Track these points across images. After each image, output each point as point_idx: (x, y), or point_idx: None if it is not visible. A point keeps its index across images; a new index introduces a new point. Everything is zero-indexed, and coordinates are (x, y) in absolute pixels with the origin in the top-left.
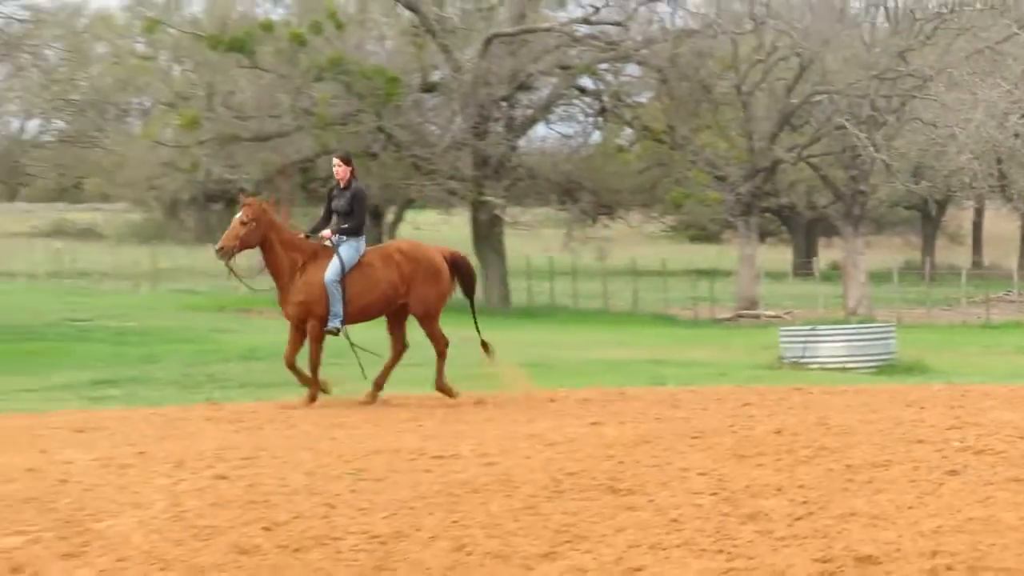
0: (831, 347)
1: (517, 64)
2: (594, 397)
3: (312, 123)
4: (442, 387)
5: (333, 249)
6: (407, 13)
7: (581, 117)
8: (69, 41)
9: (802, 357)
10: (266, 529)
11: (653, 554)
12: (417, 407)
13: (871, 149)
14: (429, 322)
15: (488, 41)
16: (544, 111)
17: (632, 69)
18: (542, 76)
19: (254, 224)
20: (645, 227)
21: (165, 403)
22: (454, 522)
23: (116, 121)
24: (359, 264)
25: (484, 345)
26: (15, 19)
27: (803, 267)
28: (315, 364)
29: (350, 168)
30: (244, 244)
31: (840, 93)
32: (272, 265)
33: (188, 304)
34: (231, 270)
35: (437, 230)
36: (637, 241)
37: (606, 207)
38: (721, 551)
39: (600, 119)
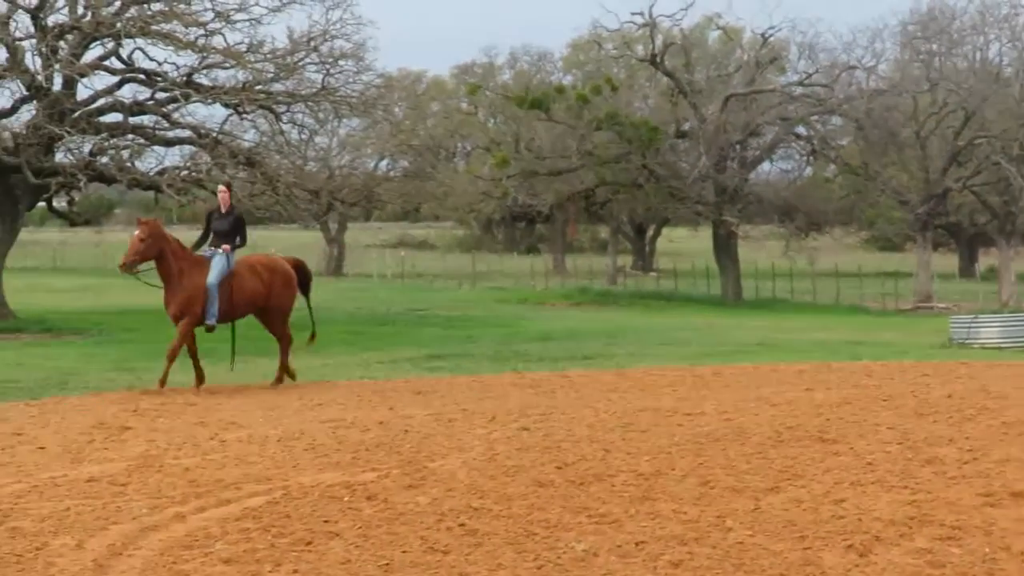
0: (989, 331)
1: (748, 116)
2: (807, 369)
3: (593, 162)
4: (287, 368)
5: (208, 260)
6: (665, 79)
7: (797, 156)
8: (411, 100)
9: (967, 339)
10: (558, 468)
11: (853, 489)
12: (672, 376)
13: (1020, 179)
14: (283, 321)
15: (727, 99)
16: (768, 152)
17: (836, 120)
18: (767, 125)
19: (150, 240)
20: (845, 239)
21: (481, 372)
22: (700, 463)
23: (446, 161)
24: (230, 273)
25: (313, 336)
26: (372, 85)
27: (966, 270)
28: (175, 354)
29: (229, 194)
30: (143, 257)
31: (996, 137)
32: (164, 272)
33: (498, 298)
34: (137, 278)
35: (686, 243)
36: (839, 250)
37: (815, 224)
38: (906, 487)
39: (811, 157)
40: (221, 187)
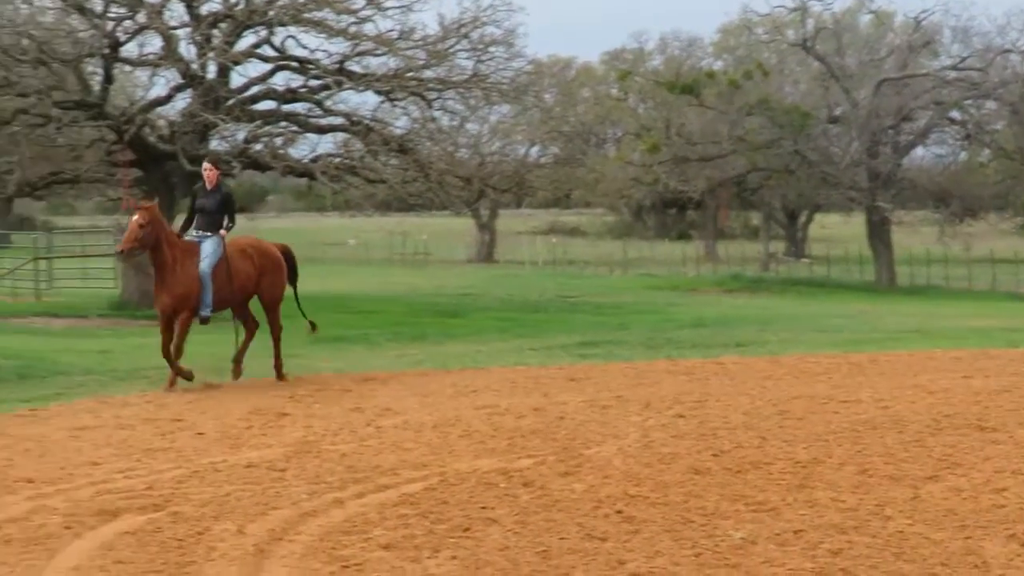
0: None
1: (901, 101)
2: (964, 356)
3: (744, 147)
4: (279, 367)
5: (199, 246)
6: (816, 63)
7: (950, 141)
8: (562, 87)
9: None
10: (714, 455)
11: (1014, 478)
12: (827, 364)
13: None
14: (275, 308)
15: (879, 84)
16: (922, 136)
17: (990, 104)
18: (920, 110)
19: (149, 227)
20: (1000, 225)
21: (634, 359)
22: (858, 451)
23: (596, 147)
24: (223, 258)
25: (313, 326)
26: (523, 72)
27: None
28: (179, 350)
29: (218, 172)
30: (142, 244)
31: None
32: (159, 261)
33: (650, 285)
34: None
35: (839, 229)
36: (994, 236)
37: (970, 210)
38: None
39: (965, 142)
40: (206, 164)
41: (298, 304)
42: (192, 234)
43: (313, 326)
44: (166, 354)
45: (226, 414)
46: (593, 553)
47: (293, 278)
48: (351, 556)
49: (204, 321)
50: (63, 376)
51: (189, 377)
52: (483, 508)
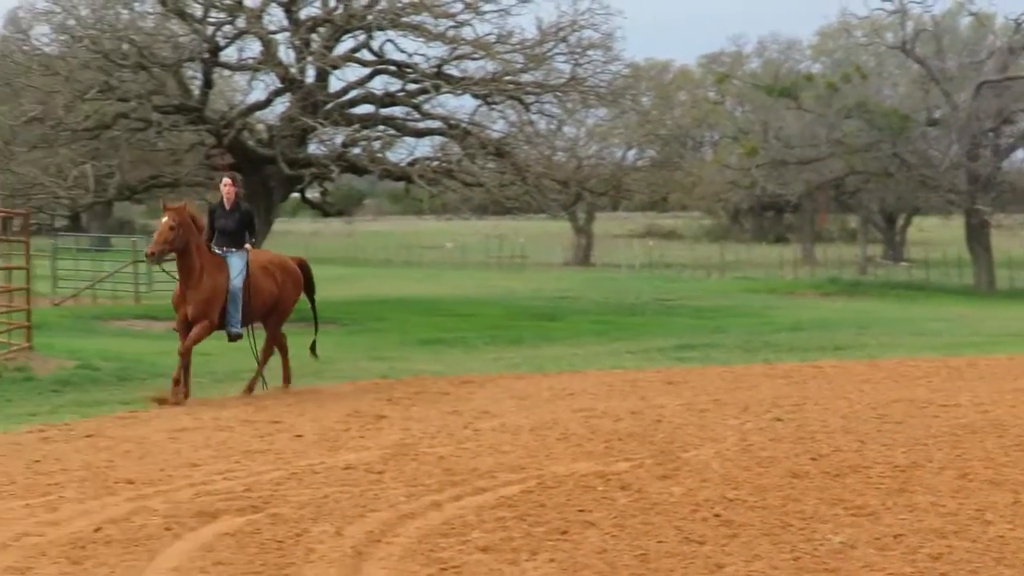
0: None
1: (1002, 103)
2: None
3: (842, 150)
4: (288, 378)
5: (225, 260)
6: (915, 66)
7: None
8: (659, 90)
9: None
10: (813, 459)
11: None
12: (926, 367)
13: None
14: (280, 322)
15: (979, 86)
16: (1022, 139)
17: None
18: (1021, 113)
19: (180, 229)
20: None
21: (732, 363)
22: (957, 456)
23: (693, 150)
24: (247, 274)
25: (314, 346)
26: (620, 75)
27: None
28: (188, 355)
29: (237, 188)
30: (172, 247)
31: None
32: (186, 267)
33: (747, 288)
34: (163, 270)
35: (937, 232)
36: None
37: None
38: None
39: None
40: (226, 179)
41: (315, 319)
42: (221, 251)
43: (314, 349)
44: (185, 352)
45: (324, 416)
46: (691, 557)
47: (311, 291)
48: (449, 558)
49: (234, 338)
50: (162, 378)
51: (179, 400)
52: (581, 511)
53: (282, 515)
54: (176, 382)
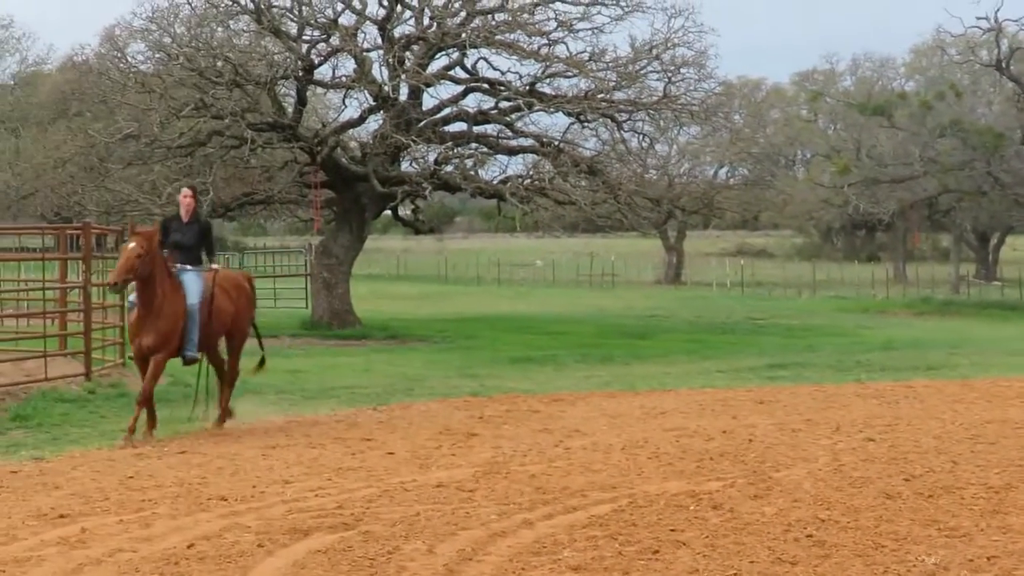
0: None
1: None
2: None
3: (936, 169)
4: (226, 408)
5: (180, 280)
6: (1010, 84)
7: None
8: (751, 108)
9: None
10: (906, 480)
11: None
12: (1020, 388)
13: None
14: (240, 345)
15: None
16: None
17: None
18: None
19: (147, 256)
20: None
21: (823, 382)
22: None
23: (785, 168)
24: (204, 296)
25: (263, 362)
26: (713, 93)
27: None
28: (149, 395)
29: (196, 201)
30: (135, 276)
31: None
32: (147, 296)
33: (839, 307)
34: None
35: None
36: None
37: None
38: None
39: None
40: (185, 190)
41: (258, 335)
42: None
43: (263, 364)
44: (147, 397)
45: (415, 434)
46: None
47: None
48: None
49: (189, 362)
50: (255, 395)
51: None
52: (672, 530)
53: (374, 532)
54: (131, 431)
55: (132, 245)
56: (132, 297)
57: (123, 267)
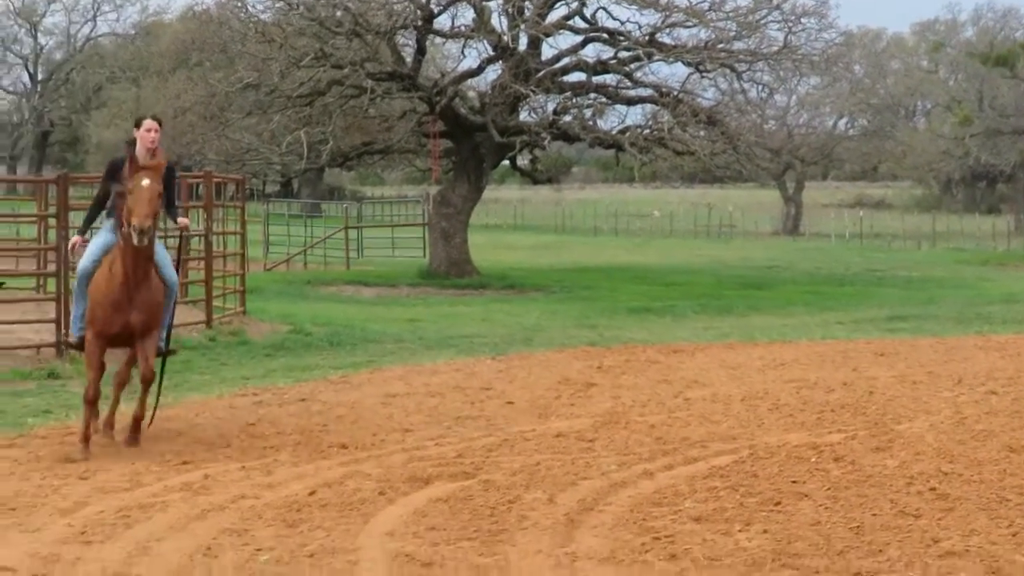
0: None
1: None
2: None
3: None
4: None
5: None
6: None
7: None
8: (871, 59)
9: None
10: None
11: None
12: None
13: None
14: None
15: None
16: None
17: None
18: None
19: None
20: None
21: (944, 334)
22: None
23: (905, 119)
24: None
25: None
26: (834, 43)
27: None
28: (150, 379)
29: (159, 135)
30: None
31: None
32: (144, 254)
33: (959, 259)
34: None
35: None
36: None
37: None
38: None
39: None
40: (150, 121)
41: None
42: (104, 225)
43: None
44: (94, 396)
45: (535, 384)
46: (907, 530)
47: None
48: (661, 528)
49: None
50: (373, 344)
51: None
52: (794, 482)
53: (494, 482)
54: (86, 438)
55: (149, 182)
56: (91, 255)
57: (151, 209)
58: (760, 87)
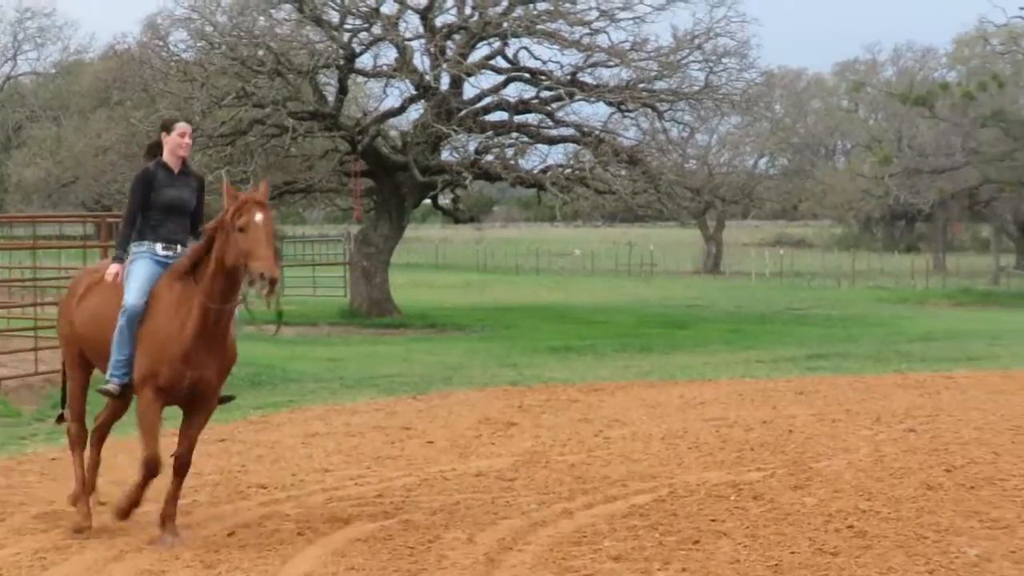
0: None
1: None
2: None
3: (977, 160)
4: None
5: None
6: None
7: None
8: (792, 98)
9: None
10: (947, 471)
11: None
12: None
13: None
14: None
15: None
16: None
17: None
18: None
19: None
20: None
21: (863, 372)
22: None
23: (825, 158)
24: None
25: None
26: (754, 83)
27: None
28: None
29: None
30: None
31: None
32: (231, 295)
33: (878, 297)
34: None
35: None
36: None
37: None
38: None
39: None
40: (183, 125)
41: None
42: (157, 250)
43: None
44: (156, 465)
45: (455, 423)
46: (825, 568)
47: None
48: (581, 567)
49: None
50: (294, 383)
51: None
52: (713, 521)
53: (414, 521)
54: (125, 513)
55: (263, 217)
56: (140, 291)
57: (274, 250)
58: (681, 126)
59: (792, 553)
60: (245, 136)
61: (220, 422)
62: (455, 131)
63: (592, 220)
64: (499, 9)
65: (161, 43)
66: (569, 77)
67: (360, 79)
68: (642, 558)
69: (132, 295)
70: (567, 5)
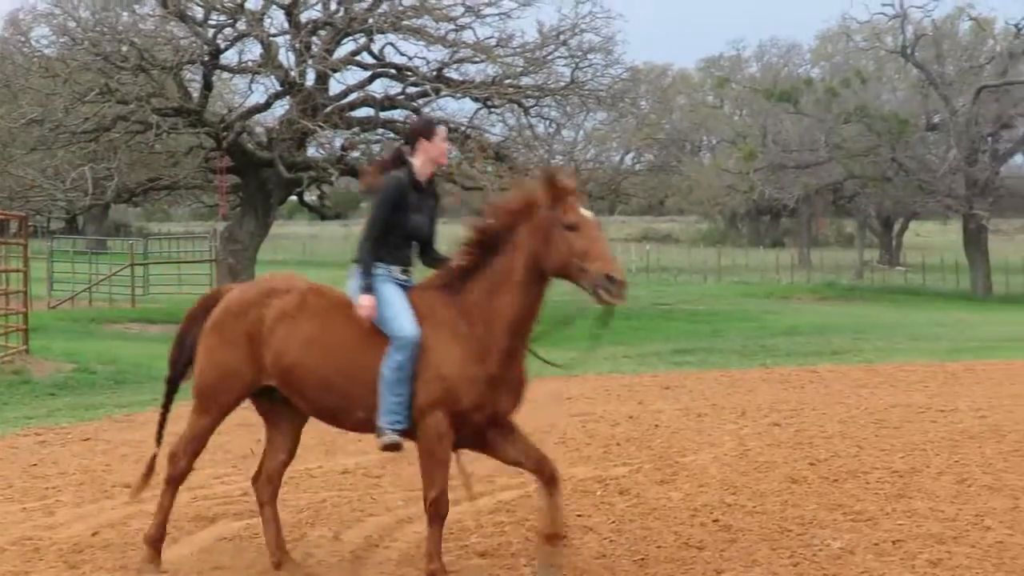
0: None
1: (1001, 108)
2: None
3: (841, 155)
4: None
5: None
6: (915, 70)
7: None
8: (657, 94)
9: None
10: (811, 464)
11: None
12: (923, 372)
13: None
14: None
15: (978, 91)
16: (1021, 144)
17: None
18: (1020, 117)
19: None
20: None
21: (729, 367)
22: (956, 461)
23: (691, 154)
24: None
25: None
26: (620, 79)
27: None
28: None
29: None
30: None
31: None
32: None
33: (744, 292)
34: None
35: (935, 237)
36: None
37: None
38: None
39: None
40: (444, 129)
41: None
42: (396, 274)
43: None
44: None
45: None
46: (690, 562)
47: None
48: (447, 563)
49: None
50: (159, 382)
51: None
52: (579, 516)
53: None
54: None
55: (593, 216)
56: (409, 318)
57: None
58: (548, 122)
59: (658, 547)
60: (109, 132)
61: (84, 420)
62: (321, 127)
63: (458, 216)
64: (364, 5)
65: (23, 38)
66: (435, 73)
67: (225, 75)
68: (508, 554)
69: (406, 323)
70: (432, 1)
